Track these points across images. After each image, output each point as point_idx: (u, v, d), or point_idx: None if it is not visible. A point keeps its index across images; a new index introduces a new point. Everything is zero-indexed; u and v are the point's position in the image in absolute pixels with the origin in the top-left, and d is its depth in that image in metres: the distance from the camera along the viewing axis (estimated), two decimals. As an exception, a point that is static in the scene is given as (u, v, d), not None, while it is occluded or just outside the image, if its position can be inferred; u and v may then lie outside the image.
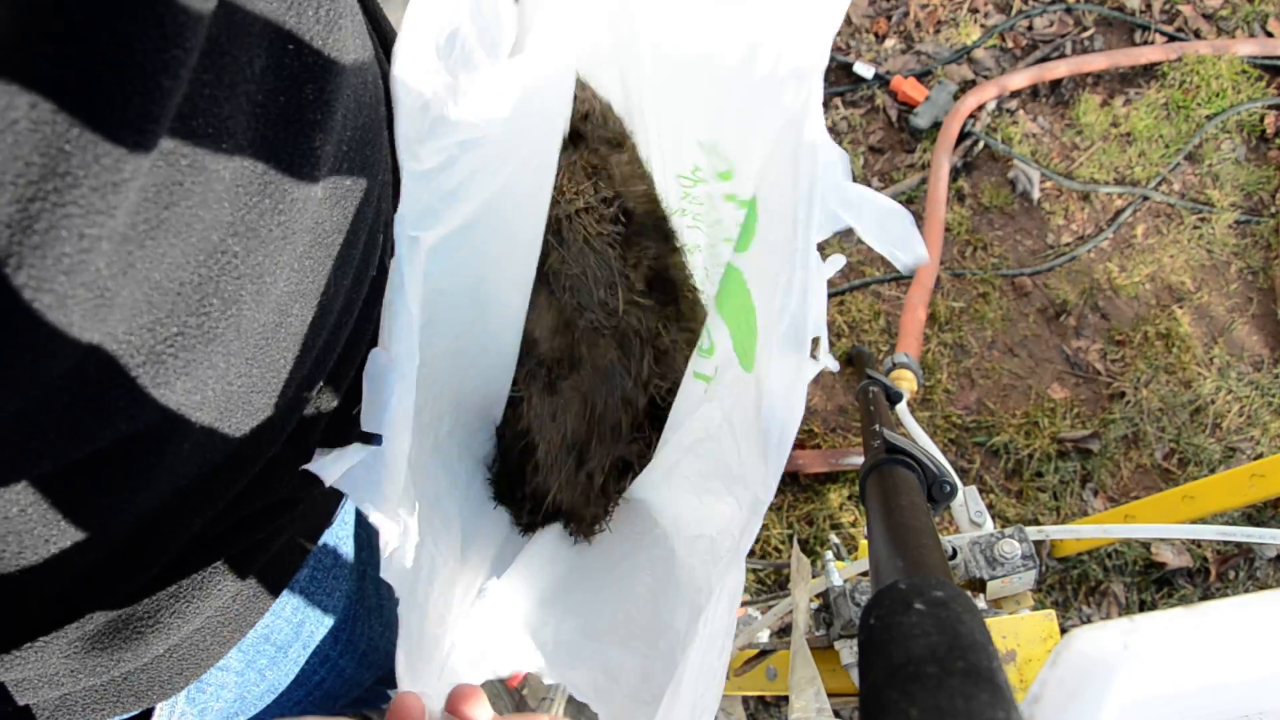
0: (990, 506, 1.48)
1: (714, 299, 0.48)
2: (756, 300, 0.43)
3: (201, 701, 0.48)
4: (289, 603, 0.52)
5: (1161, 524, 0.90)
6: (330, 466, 0.39)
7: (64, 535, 0.30)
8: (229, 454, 0.36)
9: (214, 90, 0.27)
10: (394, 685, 0.81)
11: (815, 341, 0.38)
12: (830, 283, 1.68)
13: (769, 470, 0.38)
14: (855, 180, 0.43)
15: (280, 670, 0.54)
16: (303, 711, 0.59)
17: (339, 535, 0.56)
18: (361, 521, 0.57)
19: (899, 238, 0.37)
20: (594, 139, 0.52)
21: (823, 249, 0.37)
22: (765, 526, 1.47)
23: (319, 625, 0.56)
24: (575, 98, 0.49)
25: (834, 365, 0.40)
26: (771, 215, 0.40)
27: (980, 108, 1.77)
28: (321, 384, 0.41)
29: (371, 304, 0.42)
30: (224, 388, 0.33)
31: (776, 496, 1.48)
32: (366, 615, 0.63)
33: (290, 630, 0.53)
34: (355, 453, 0.39)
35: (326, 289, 0.37)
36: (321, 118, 0.33)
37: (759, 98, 0.40)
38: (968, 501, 0.67)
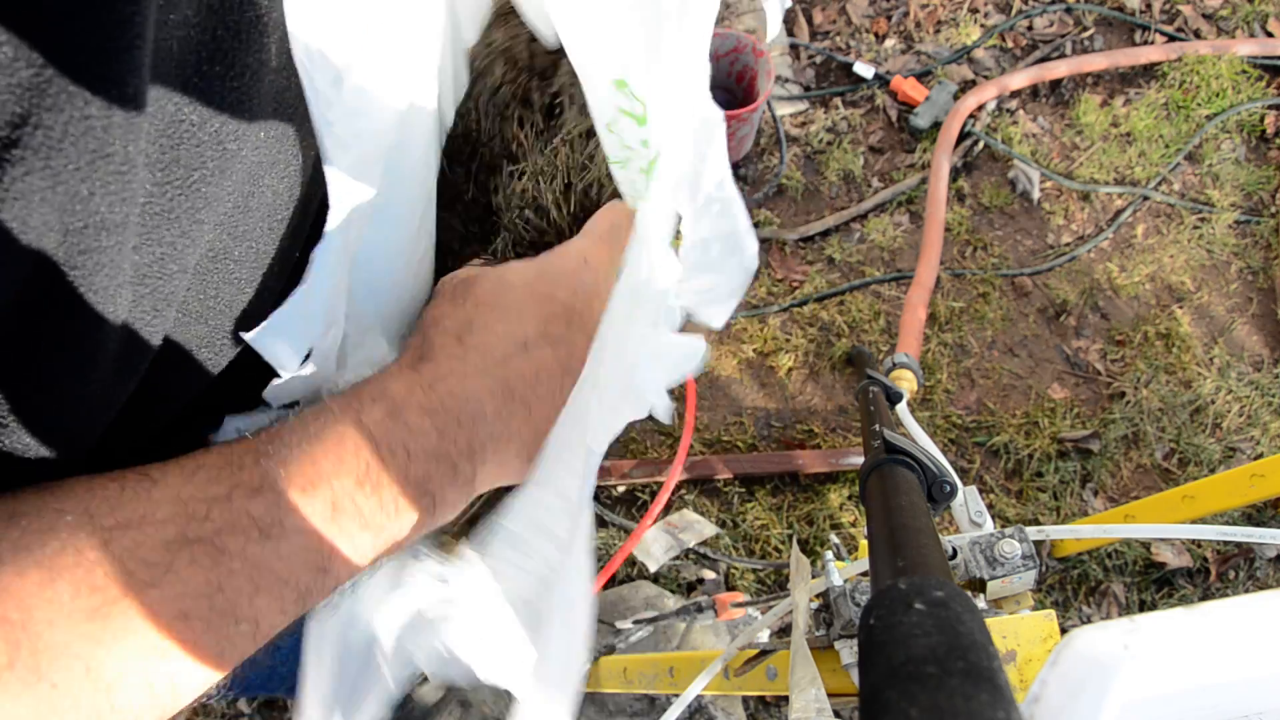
0: (990, 506, 1.48)
1: None
2: None
3: None
4: None
5: (1161, 524, 0.90)
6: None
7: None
8: (217, 320, 0.35)
9: None
10: None
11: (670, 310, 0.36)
12: (830, 283, 1.68)
13: (597, 422, 0.37)
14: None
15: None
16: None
17: None
18: None
19: (720, 290, 0.34)
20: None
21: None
22: (765, 526, 1.47)
23: None
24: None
25: (666, 417, 0.39)
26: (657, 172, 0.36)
27: (980, 108, 1.77)
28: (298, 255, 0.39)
29: None
30: (198, 258, 0.33)
31: (776, 496, 1.49)
32: None
33: None
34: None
35: (293, 159, 0.36)
36: None
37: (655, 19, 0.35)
38: (968, 501, 0.67)
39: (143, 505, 0.30)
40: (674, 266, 0.36)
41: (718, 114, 0.32)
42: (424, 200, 0.44)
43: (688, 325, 0.41)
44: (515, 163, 0.49)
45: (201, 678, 0.31)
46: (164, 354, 0.34)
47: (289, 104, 0.36)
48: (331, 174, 0.37)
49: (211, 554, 0.31)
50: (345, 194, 0.36)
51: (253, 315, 0.37)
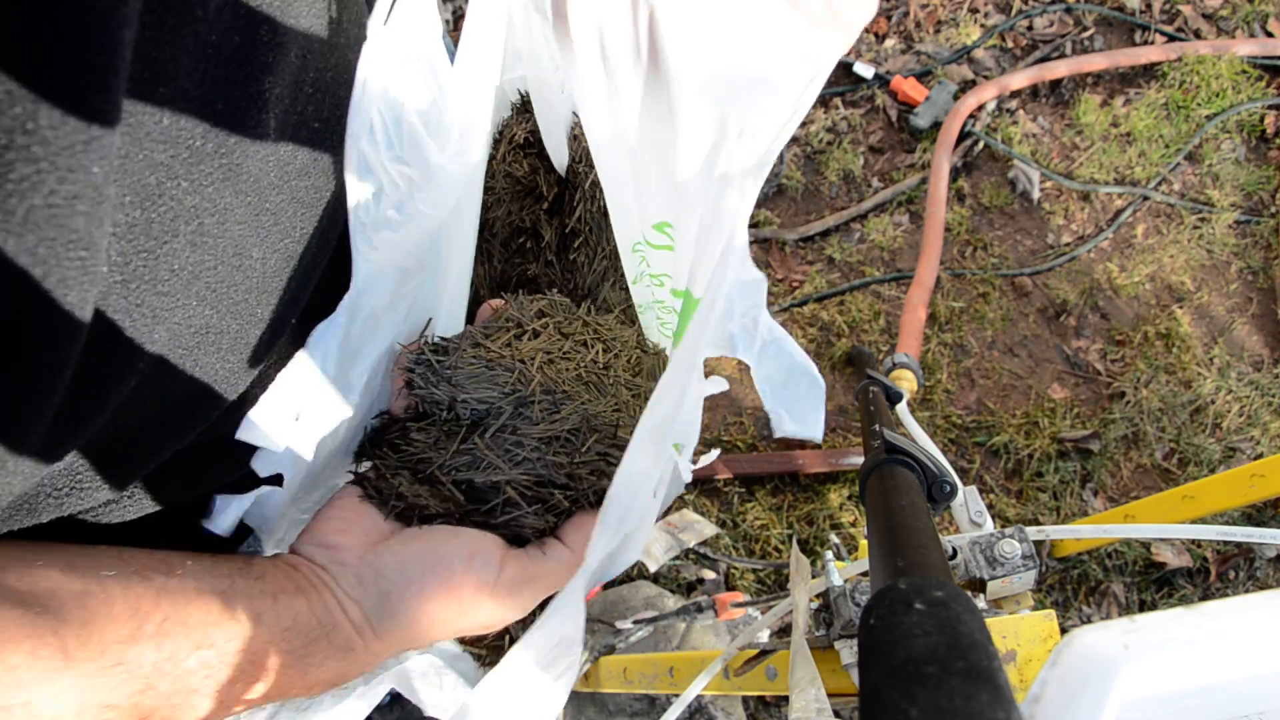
0: (990, 506, 1.48)
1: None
2: None
3: None
4: None
5: (1161, 524, 0.90)
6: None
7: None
8: (196, 389, 0.36)
9: (157, 33, 0.27)
10: None
11: (679, 448, 0.38)
12: (830, 283, 1.68)
13: (603, 543, 0.40)
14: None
15: None
16: None
17: None
18: None
19: (803, 405, 0.37)
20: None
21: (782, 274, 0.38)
22: (765, 526, 1.47)
23: None
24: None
25: (688, 477, 0.41)
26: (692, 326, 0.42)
27: (980, 108, 1.77)
28: (294, 322, 0.41)
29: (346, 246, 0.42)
30: (170, 328, 0.33)
31: (776, 496, 1.49)
32: None
33: None
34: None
35: (290, 232, 0.37)
36: (273, 60, 0.32)
37: (702, 191, 0.42)
38: (968, 501, 0.67)
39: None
40: (700, 397, 0.40)
41: (762, 277, 0.38)
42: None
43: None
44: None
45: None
46: (135, 417, 0.34)
47: (287, 178, 0.36)
48: (357, 266, 0.42)
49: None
50: (362, 291, 0.42)
51: (238, 384, 0.38)
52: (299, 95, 0.36)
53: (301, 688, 0.41)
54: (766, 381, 0.38)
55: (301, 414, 0.43)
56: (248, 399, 0.41)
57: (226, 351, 0.37)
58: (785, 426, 0.40)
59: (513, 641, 0.60)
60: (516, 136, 0.64)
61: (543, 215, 0.63)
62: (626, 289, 0.58)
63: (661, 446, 0.40)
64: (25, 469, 0.30)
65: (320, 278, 0.42)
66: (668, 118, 0.39)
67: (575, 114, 0.58)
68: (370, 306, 0.45)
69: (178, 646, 0.35)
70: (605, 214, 0.57)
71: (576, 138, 0.61)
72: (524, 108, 0.66)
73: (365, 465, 0.49)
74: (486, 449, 0.45)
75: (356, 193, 0.41)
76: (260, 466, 0.43)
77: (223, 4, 0.30)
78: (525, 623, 0.56)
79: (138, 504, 0.39)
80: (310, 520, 0.46)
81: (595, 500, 0.47)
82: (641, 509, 0.41)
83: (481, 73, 0.42)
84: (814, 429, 0.40)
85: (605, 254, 0.61)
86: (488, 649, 0.67)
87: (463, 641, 0.70)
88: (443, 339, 0.50)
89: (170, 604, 0.35)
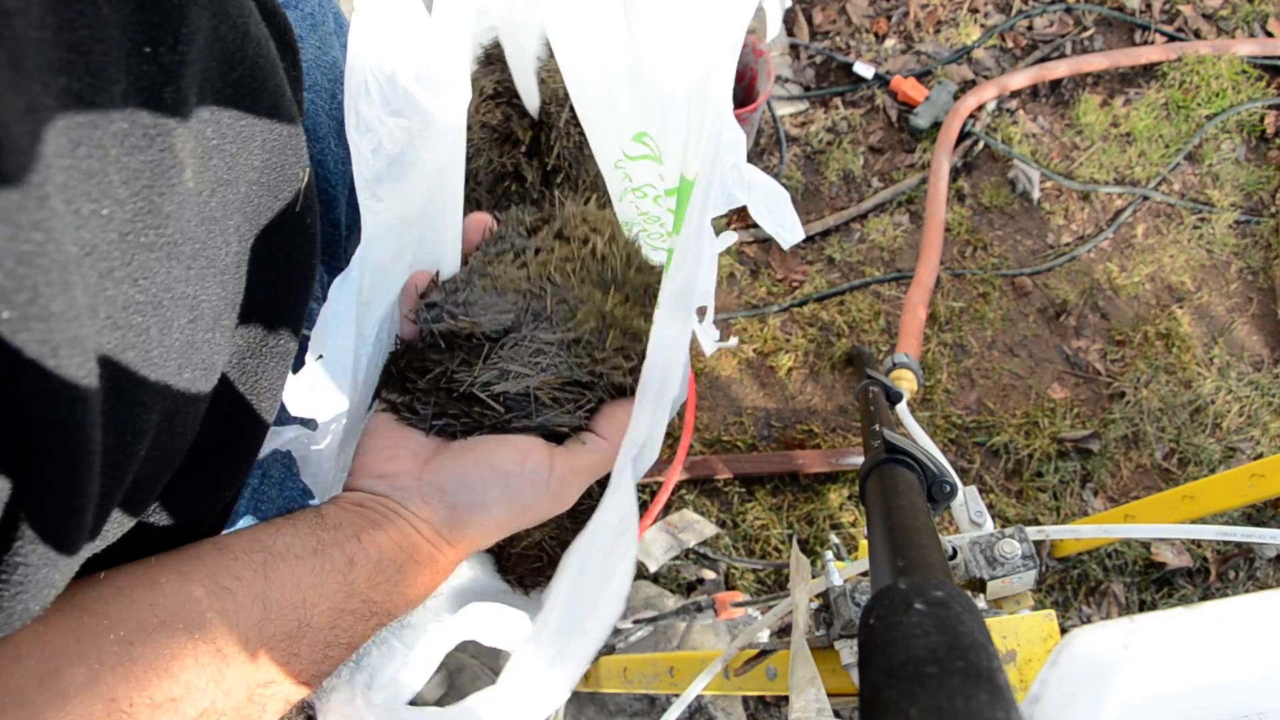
0: (990, 506, 1.48)
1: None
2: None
3: None
4: None
5: (1161, 524, 0.90)
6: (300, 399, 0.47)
7: None
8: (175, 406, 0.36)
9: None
10: None
11: (702, 311, 0.43)
12: (830, 283, 1.68)
13: (645, 419, 0.44)
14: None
15: None
16: None
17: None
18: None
19: (782, 216, 0.45)
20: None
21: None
22: (765, 526, 1.47)
23: None
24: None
25: (730, 343, 0.48)
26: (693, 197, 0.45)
27: (980, 108, 1.77)
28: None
29: (304, 248, 0.43)
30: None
31: (776, 496, 1.49)
32: None
33: None
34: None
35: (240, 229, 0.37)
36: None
37: (682, 94, 0.46)
38: (968, 501, 0.67)
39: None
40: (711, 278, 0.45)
41: (742, 135, 0.41)
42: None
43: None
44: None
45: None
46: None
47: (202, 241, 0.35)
48: (365, 221, 0.46)
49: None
50: (370, 243, 0.46)
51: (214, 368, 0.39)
52: (220, 86, 0.36)
53: (404, 606, 0.44)
54: (758, 209, 0.45)
55: (325, 353, 0.47)
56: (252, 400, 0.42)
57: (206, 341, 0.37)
58: (784, 238, 0.47)
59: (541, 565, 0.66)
60: (485, 88, 0.68)
61: (522, 158, 0.66)
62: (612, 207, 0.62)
63: (688, 310, 0.43)
64: (80, 557, 0.31)
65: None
66: (636, 30, 0.45)
67: (541, 57, 0.62)
68: (378, 259, 0.48)
69: (302, 613, 0.39)
70: (580, 147, 0.63)
71: (544, 81, 0.64)
72: (488, 60, 0.72)
73: (391, 395, 0.51)
74: (511, 361, 0.48)
75: (358, 150, 0.45)
76: (293, 406, 0.47)
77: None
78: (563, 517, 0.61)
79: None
80: (356, 456, 0.49)
81: (618, 391, 0.51)
82: (677, 376, 0.44)
83: (458, 22, 0.45)
84: (798, 231, 0.47)
85: (587, 184, 0.65)
86: (527, 573, 0.72)
87: (501, 570, 0.74)
88: (449, 280, 0.53)
89: (278, 578, 0.39)
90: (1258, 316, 1.66)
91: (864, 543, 0.66)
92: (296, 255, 0.42)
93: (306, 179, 0.41)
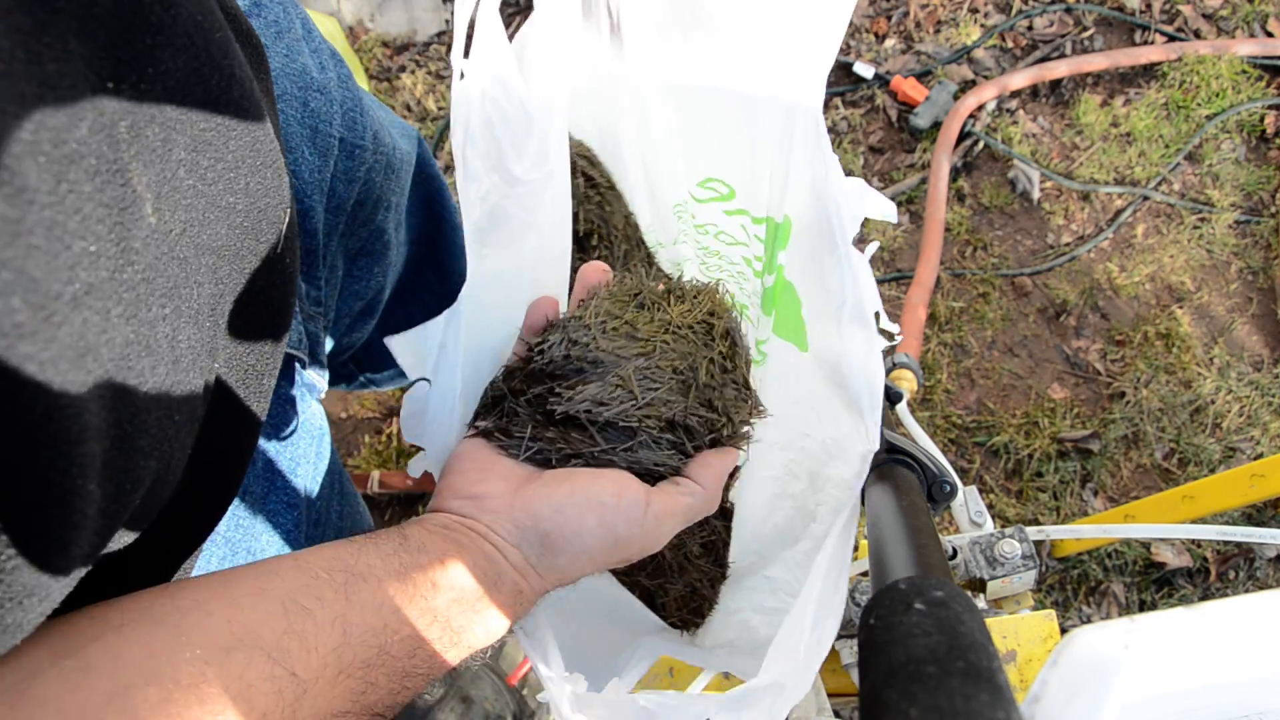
0: (990, 506, 1.48)
1: (761, 294, 0.59)
2: (801, 294, 0.53)
3: None
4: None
5: (1161, 524, 0.90)
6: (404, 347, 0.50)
7: None
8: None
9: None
10: None
11: (876, 316, 0.47)
12: (830, 283, 1.68)
13: (869, 422, 0.47)
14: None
15: None
16: None
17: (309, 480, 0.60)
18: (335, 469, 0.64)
19: (879, 201, 0.49)
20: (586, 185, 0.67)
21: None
22: (765, 526, 1.47)
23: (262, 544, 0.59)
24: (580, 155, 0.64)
25: (895, 329, 0.50)
26: (804, 228, 0.50)
27: (980, 108, 1.77)
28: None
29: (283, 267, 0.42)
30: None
31: (776, 496, 1.48)
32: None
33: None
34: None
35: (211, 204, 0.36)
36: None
37: (759, 132, 0.50)
38: (968, 501, 0.67)
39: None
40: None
41: (835, 160, 0.45)
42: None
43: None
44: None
45: None
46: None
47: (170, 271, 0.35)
48: (470, 270, 0.50)
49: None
50: (472, 283, 0.50)
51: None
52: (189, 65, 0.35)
53: (485, 638, 0.43)
54: (870, 211, 0.49)
55: (434, 380, 0.50)
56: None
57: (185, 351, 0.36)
58: (887, 216, 0.50)
59: None
60: None
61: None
62: (645, 268, 0.66)
63: (868, 322, 0.47)
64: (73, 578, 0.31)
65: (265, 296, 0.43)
66: (716, 63, 0.49)
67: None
68: (481, 299, 0.51)
69: (382, 639, 0.37)
70: (601, 207, 0.66)
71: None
72: None
73: (486, 421, 0.53)
74: (618, 384, 0.49)
75: (466, 196, 0.48)
76: (406, 431, 0.51)
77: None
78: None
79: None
80: (442, 478, 0.48)
81: (715, 442, 0.52)
82: (879, 384, 0.48)
83: (550, 90, 0.48)
84: (890, 208, 0.50)
85: (620, 241, 0.66)
86: (688, 616, 0.72)
87: (661, 614, 0.72)
88: (572, 316, 0.55)
89: (359, 601, 0.37)
90: (1258, 316, 1.66)
91: (864, 543, 0.66)
92: (276, 296, 0.41)
93: (289, 219, 0.41)
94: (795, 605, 0.46)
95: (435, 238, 0.90)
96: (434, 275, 0.92)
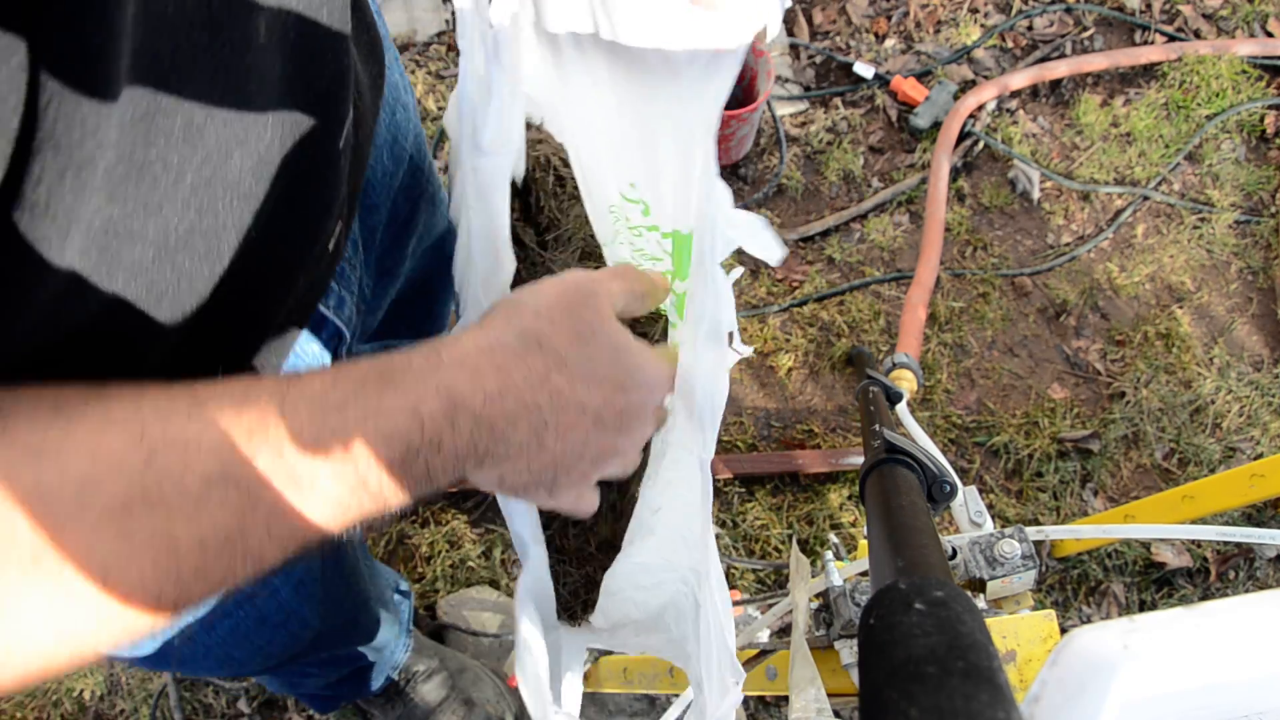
0: (990, 506, 1.48)
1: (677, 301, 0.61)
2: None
3: None
4: None
5: (1161, 524, 0.90)
6: None
7: None
8: (173, 289, 0.37)
9: None
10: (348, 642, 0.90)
11: (730, 335, 0.48)
12: (830, 283, 1.68)
13: (708, 435, 0.49)
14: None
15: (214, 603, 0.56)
16: (242, 643, 0.65)
17: None
18: None
19: (768, 243, 0.51)
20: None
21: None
22: (765, 526, 1.47)
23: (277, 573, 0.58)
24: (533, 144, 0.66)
25: (747, 351, 0.52)
26: (695, 246, 0.52)
27: (980, 108, 1.77)
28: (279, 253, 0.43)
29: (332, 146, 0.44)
30: (159, 224, 0.34)
31: (776, 496, 1.49)
32: (330, 572, 0.66)
33: None
34: None
35: (271, 143, 0.39)
36: None
37: (669, 150, 0.52)
38: (968, 501, 0.67)
39: (191, 427, 0.33)
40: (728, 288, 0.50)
41: (726, 187, 0.46)
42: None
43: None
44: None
45: (200, 594, 0.34)
46: (117, 313, 0.35)
47: (268, 85, 0.38)
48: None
49: (244, 499, 0.34)
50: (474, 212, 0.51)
51: (216, 294, 0.39)
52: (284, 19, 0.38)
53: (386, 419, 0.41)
54: (749, 243, 0.51)
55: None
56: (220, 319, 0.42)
57: (201, 257, 0.37)
58: (772, 259, 0.53)
59: None
60: None
61: (516, 223, 0.70)
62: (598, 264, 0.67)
63: (721, 340, 0.48)
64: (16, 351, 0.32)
65: (319, 225, 0.45)
66: (631, 85, 0.50)
67: (529, 126, 0.67)
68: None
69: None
70: (563, 208, 0.68)
71: (531, 147, 0.69)
72: None
73: None
74: None
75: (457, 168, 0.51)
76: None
77: None
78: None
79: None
80: None
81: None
82: (722, 398, 0.50)
83: (506, 84, 0.49)
84: (779, 251, 0.53)
85: (578, 238, 0.70)
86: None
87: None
88: None
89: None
90: (1258, 316, 1.66)
91: (864, 543, 0.66)
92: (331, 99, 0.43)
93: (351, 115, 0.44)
94: (702, 604, 0.49)
95: (433, 278, 0.91)
96: (421, 312, 0.95)
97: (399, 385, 0.38)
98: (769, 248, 0.51)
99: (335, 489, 0.36)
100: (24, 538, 0.29)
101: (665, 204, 0.56)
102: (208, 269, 0.38)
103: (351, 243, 0.58)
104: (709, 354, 0.47)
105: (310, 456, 0.35)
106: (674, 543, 0.57)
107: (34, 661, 0.30)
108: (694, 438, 0.50)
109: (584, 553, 0.66)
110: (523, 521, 0.55)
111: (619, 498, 0.64)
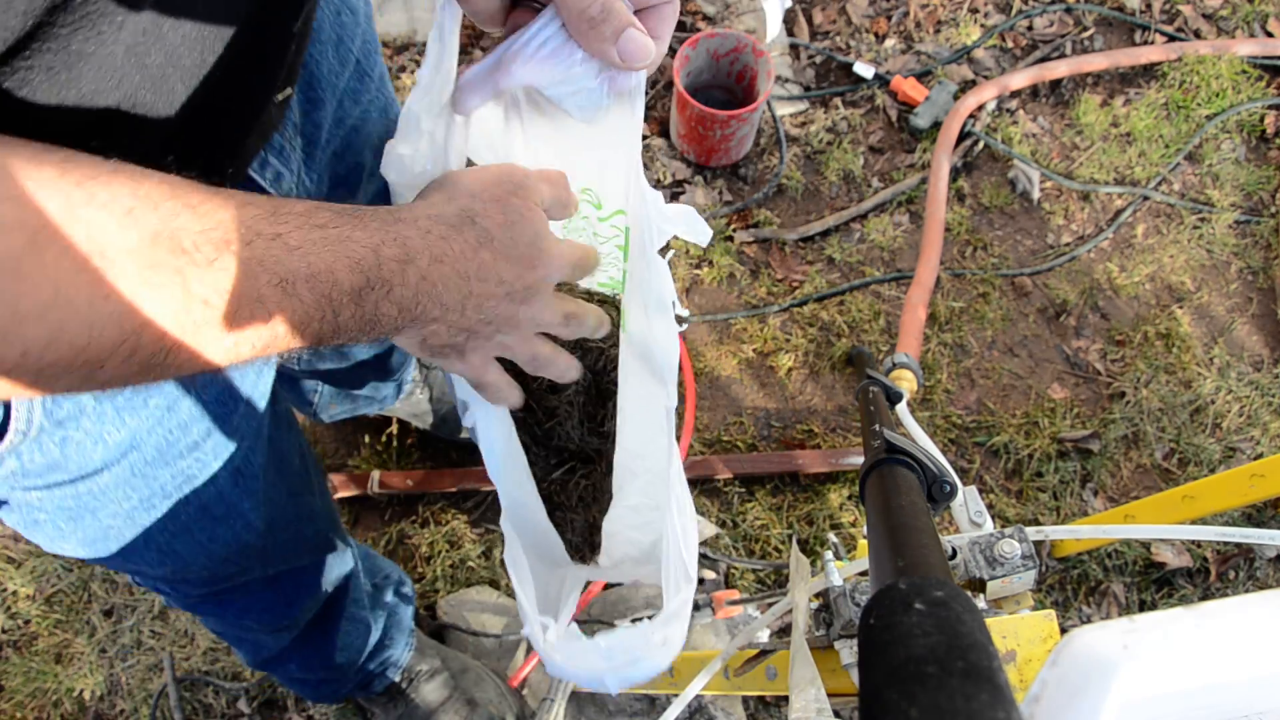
0: (990, 506, 1.48)
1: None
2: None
3: (64, 447, 0.51)
4: (190, 416, 0.58)
5: (1161, 524, 0.90)
6: None
7: None
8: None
9: None
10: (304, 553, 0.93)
11: (673, 304, 0.57)
12: (830, 283, 1.68)
13: (669, 388, 0.58)
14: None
15: (154, 478, 0.59)
16: (187, 543, 0.66)
17: (256, 390, 0.65)
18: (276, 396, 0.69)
19: (693, 226, 0.60)
20: None
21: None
22: (765, 526, 1.47)
23: (214, 457, 0.62)
24: None
25: (686, 313, 0.60)
26: (632, 237, 0.62)
27: (980, 108, 1.77)
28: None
29: None
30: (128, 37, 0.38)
31: (776, 496, 1.49)
32: (272, 472, 0.68)
33: (185, 442, 0.59)
34: None
35: (207, 17, 0.41)
36: None
37: (609, 166, 0.61)
38: (968, 501, 0.67)
39: (210, 201, 0.38)
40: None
41: (655, 192, 0.57)
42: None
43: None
44: None
45: (188, 356, 0.39)
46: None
47: None
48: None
49: (244, 277, 0.39)
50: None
51: (197, 98, 0.43)
52: None
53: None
54: (680, 230, 0.59)
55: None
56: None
57: (139, 129, 0.41)
58: (699, 239, 0.61)
59: None
60: None
61: None
62: None
63: (667, 310, 0.57)
64: None
65: (256, 102, 0.49)
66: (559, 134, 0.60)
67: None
68: None
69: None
70: None
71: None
72: None
73: None
74: None
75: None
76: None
77: None
78: None
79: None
80: None
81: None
82: (674, 357, 0.59)
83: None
84: (706, 232, 0.61)
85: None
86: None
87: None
88: None
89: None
90: (1258, 316, 1.66)
91: (864, 543, 0.66)
92: None
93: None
94: (665, 525, 0.58)
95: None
96: None
97: (366, 226, 0.44)
98: (699, 233, 0.60)
99: (309, 295, 0.41)
100: (80, 235, 0.33)
101: (614, 202, 0.66)
102: (176, 75, 0.41)
103: (291, 124, 0.62)
104: (660, 322, 0.57)
105: (297, 258, 0.40)
106: (655, 484, 0.66)
107: (63, 338, 0.34)
108: (658, 391, 0.60)
109: (584, 502, 0.75)
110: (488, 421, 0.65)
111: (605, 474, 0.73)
